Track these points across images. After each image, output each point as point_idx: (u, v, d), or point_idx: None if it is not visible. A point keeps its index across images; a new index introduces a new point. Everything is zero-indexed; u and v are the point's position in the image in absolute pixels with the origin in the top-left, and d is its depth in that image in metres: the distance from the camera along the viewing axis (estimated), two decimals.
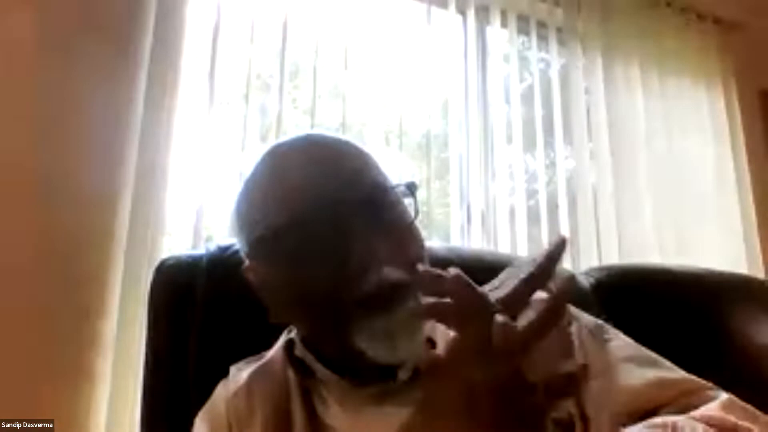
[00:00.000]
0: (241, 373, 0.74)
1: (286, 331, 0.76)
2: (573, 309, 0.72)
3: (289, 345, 0.72)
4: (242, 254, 0.71)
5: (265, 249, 0.66)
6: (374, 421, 0.63)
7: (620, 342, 0.69)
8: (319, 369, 0.69)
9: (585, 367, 0.64)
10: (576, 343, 0.67)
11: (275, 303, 0.69)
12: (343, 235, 0.62)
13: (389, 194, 0.67)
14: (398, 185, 0.68)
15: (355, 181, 0.65)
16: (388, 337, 0.62)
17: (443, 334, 0.68)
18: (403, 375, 0.65)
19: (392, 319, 0.62)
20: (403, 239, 0.65)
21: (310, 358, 0.70)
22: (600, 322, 0.72)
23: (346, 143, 0.71)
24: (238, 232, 0.71)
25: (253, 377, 0.72)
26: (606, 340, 0.69)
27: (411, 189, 0.68)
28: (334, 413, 0.67)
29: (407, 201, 0.69)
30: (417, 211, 0.68)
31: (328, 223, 0.62)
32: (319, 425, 0.67)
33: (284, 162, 0.69)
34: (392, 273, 0.62)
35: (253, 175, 0.71)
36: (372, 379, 0.65)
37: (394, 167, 1.81)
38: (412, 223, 0.68)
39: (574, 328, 0.68)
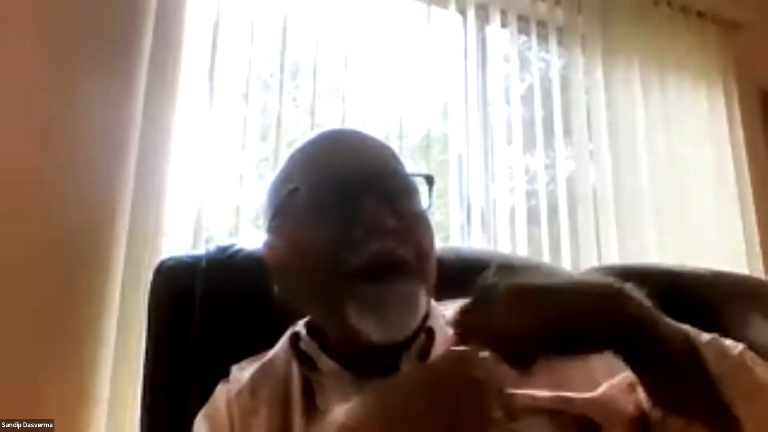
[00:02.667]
0: (243, 372, 0.74)
1: (291, 327, 0.76)
2: None
3: (294, 338, 0.72)
4: (265, 233, 0.74)
5: (281, 211, 0.70)
6: None
7: None
8: (323, 360, 0.69)
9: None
10: None
11: (283, 280, 0.71)
12: (350, 204, 0.65)
13: (406, 182, 0.70)
14: (416, 174, 0.71)
15: (375, 162, 0.70)
16: (377, 310, 0.63)
17: (440, 330, 0.69)
18: (406, 368, 0.65)
19: (384, 292, 0.63)
20: (412, 225, 0.67)
21: (314, 350, 0.70)
22: None
23: (375, 137, 0.76)
24: (264, 205, 0.75)
25: (255, 376, 0.73)
26: None
27: (429, 181, 0.71)
28: (336, 406, 0.67)
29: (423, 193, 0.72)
30: (430, 204, 0.71)
31: (340, 192, 0.66)
32: (320, 419, 0.67)
33: (313, 142, 0.74)
34: (390, 247, 0.64)
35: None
36: (375, 372, 0.65)
37: None
38: (424, 212, 0.70)
39: None
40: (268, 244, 0.73)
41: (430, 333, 0.68)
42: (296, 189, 0.68)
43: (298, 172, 0.70)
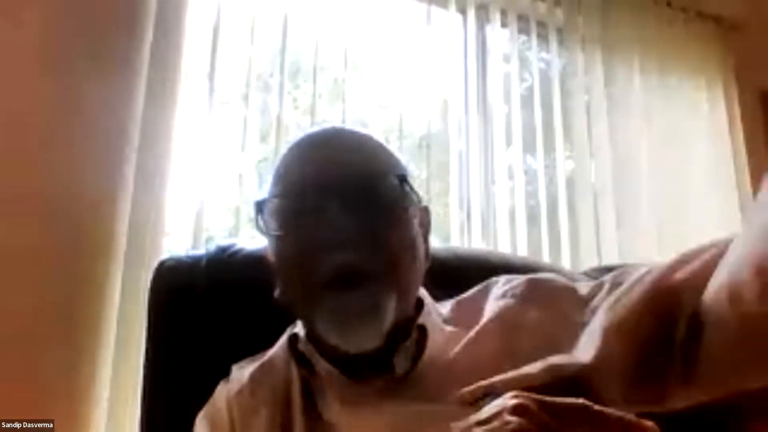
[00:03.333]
0: (243, 371, 0.74)
1: (290, 327, 0.76)
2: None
3: (293, 339, 0.73)
4: None
5: (261, 220, 0.70)
6: (372, 416, 0.63)
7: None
8: (320, 363, 0.69)
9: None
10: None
11: (277, 280, 0.71)
12: (316, 215, 0.64)
13: (381, 184, 0.68)
14: (390, 176, 0.69)
15: (346, 167, 0.68)
16: (339, 322, 0.64)
17: (435, 327, 0.69)
18: (399, 369, 0.65)
19: (345, 305, 0.63)
20: (381, 231, 0.66)
21: (311, 352, 0.70)
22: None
23: (370, 138, 0.74)
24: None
25: (255, 375, 0.73)
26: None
27: (401, 180, 0.69)
28: (333, 408, 0.67)
29: (408, 194, 0.70)
30: (412, 201, 0.70)
31: (305, 203, 0.66)
32: (319, 421, 0.67)
33: (291, 148, 0.73)
34: (352, 259, 0.63)
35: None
36: (370, 374, 0.66)
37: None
38: (400, 215, 0.68)
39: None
40: (265, 248, 0.74)
41: (423, 330, 0.68)
42: (268, 200, 0.69)
43: (273, 181, 0.71)
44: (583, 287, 0.69)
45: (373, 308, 0.64)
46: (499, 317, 0.67)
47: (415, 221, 0.71)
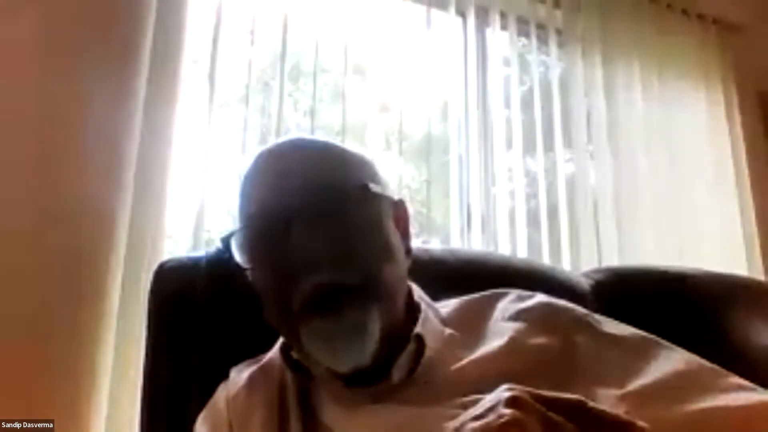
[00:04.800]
0: (241, 374, 0.74)
1: None
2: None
3: (286, 347, 0.72)
4: None
5: (233, 252, 0.67)
6: (369, 420, 0.63)
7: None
8: (315, 369, 0.69)
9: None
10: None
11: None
12: (281, 239, 0.62)
13: (349, 195, 0.65)
14: (352, 182, 0.66)
15: (307, 182, 0.65)
16: (326, 347, 0.62)
17: (433, 332, 0.68)
18: (396, 375, 0.64)
19: (329, 327, 0.62)
20: (354, 244, 0.64)
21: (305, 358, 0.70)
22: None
23: (327, 147, 0.71)
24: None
25: (252, 378, 0.72)
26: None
27: (365, 185, 0.66)
28: (330, 412, 0.67)
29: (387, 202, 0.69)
30: (381, 203, 0.67)
31: (269, 227, 0.63)
32: (316, 425, 0.67)
33: (259, 164, 0.70)
34: (324, 280, 0.61)
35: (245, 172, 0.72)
36: (366, 380, 0.65)
37: (394, 169, 1.81)
38: (368, 220, 0.66)
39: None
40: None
41: (421, 340, 0.66)
42: (232, 234, 0.66)
43: (237, 209, 0.69)
44: (607, 325, 0.68)
45: (357, 327, 0.62)
46: (512, 340, 0.66)
47: (389, 221, 0.69)
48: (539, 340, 0.65)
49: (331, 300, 0.61)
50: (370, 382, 0.65)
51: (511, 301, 0.71)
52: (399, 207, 0.73)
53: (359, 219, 0.66)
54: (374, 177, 0.69)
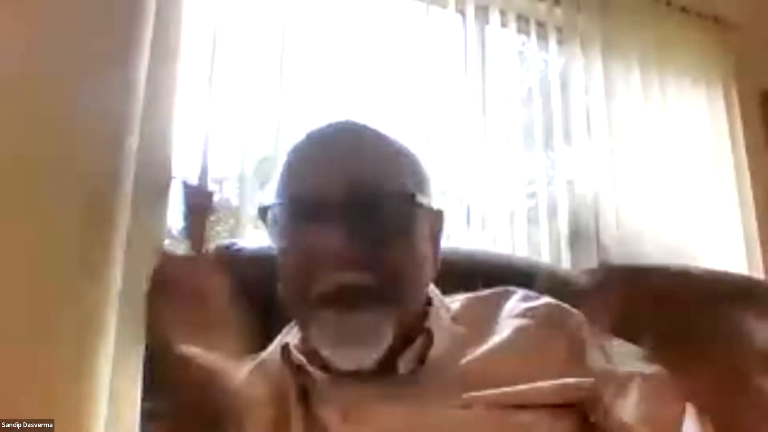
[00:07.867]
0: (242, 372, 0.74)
1: (282, 332, 0.76)
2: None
3: (285, 348, 0.72)
4: None
5: (267, 223, 0.68)
6: (372, 416, 0.63)
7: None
8: (315, 371, 0.68)
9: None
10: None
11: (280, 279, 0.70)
12: (318, 227, 0.62)
13: (387, 194, 0.65)
14: (399, 191, 0.66)
15: (355, 177, 0.64)
16: (336, 340, 0.63)
17: (441, 327, 0.68)
18: (402, 368, 0.64)
19: (341, 324, 0.62)
20: (382, 246, 0.64)
21: (305, 363, 0.69)
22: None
23: (382, 140, 0.70)
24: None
25: (253, 373, 0.72)
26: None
27: (412, 195, 0.66)
28: (331, 411, 0.66)
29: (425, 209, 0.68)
30: (423, 214, 0.68)
31: (307, 215, 0.64)
32: (316, 420, 0.67)
33: (312, 141, 0.70)
34: (348, 278, 0.62)
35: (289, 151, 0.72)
36: (372, 375, 0.65)
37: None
38: (407, 232, 0.66)
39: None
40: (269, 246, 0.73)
41: (429, 334, 0.67)
42: (271, 206, 0.68)
43: (278, 184, 0.70)
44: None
45: (370, 332, 0.62)
46: (517, 337, 0.67)
47: (425, 231, 0.69)
48: (545, 337, 0.67)
49: (351, 300, 0.62)
50: (373, 374, 0.65)
51: (518, 300, 0.72)
52: (437, 216, 0.73)
53: (397, 227, 0.65)
54: (420, 183, 0.69)
